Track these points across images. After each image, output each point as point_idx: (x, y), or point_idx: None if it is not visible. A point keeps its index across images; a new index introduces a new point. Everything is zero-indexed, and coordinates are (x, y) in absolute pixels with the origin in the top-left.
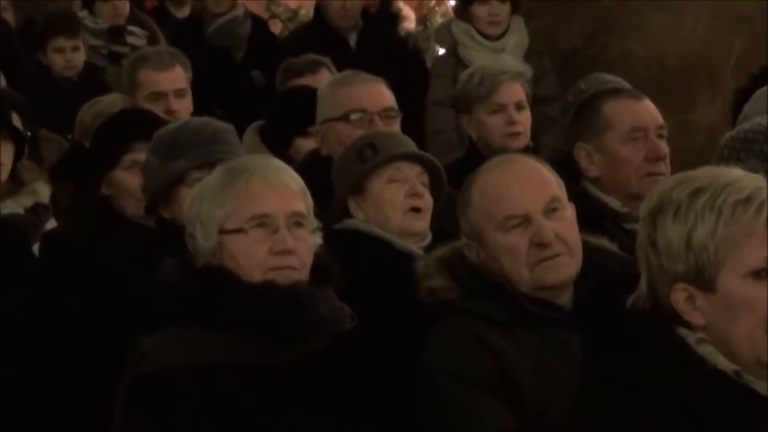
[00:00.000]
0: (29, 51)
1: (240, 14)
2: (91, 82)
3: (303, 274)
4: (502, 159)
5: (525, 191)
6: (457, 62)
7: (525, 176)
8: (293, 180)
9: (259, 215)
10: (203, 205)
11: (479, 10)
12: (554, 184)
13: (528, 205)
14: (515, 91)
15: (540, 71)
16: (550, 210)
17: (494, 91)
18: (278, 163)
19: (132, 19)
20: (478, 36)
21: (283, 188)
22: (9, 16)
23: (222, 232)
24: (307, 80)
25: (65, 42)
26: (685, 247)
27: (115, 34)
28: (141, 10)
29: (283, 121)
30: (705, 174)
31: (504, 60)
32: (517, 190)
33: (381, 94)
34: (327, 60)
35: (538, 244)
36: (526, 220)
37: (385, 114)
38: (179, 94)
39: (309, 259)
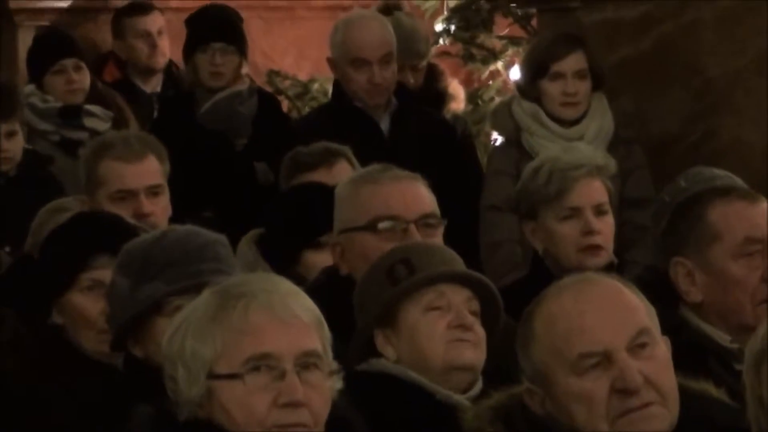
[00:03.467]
0: None
1: (244, 89)
2: (33, 176)
3: None
4: (575, 280)
5: (604, 322)
6: (521, 154)
7: (604, 302)
8: (305, 309)
9: (260, 355)
10: (187, 339)
11: (550, 87)
12: (642, 312)
13: (608, 340)
14: (594, 191)
15: (628, 165)
16: (638, 346)
17: (566, 190)
18: (286, 286)
19: (93, 96)
20: (548, 120)
21: (292, 320)
22: None
23: (211, 376)
24: (320, 175)
25: None
26: None
27: (70, 115)
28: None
29: (289, 228)
30: None
31: (579, 149)
32: (594, 320)
33: (418, 196)
34: (346, 149)
35: (622, 391)
36: (605, 360)
37: (424, 222)
38: (153, 192)
39: (324, 413)
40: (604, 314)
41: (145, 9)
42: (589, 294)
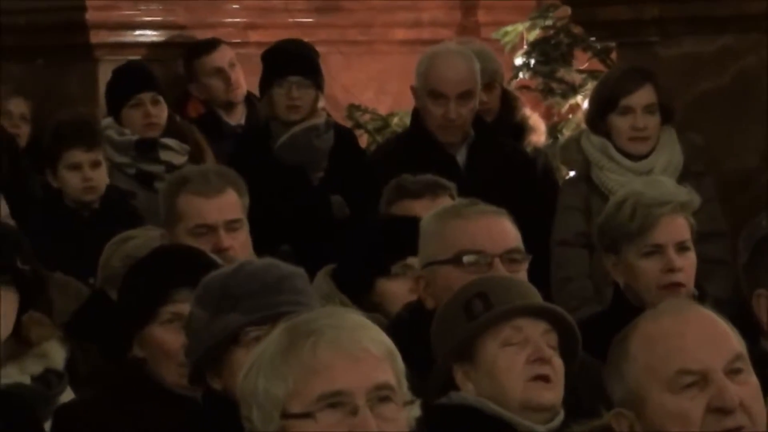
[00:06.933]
0: (39, 171)
1: (321, 123)
2: (117, 210)
3: None
4: (673, 304)
5: (703, 343)
6: (590, 189)
7: (703, 325)
8: (375, 342)
9: (331, 393)
10: (260, 379)
11: (620, 122)
12: (736, 340)
13: (707, 360)
14: (677, 228)
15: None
16: (734, 371)
17: (650, 227)
18: (354, 320)
19: (170, 130)
20: (617, 154)
21: (362, 354)
22: (25, 131)
23: (285, 416)
24: (423, 204)
25: (82, 155)
26: None
27: (146, 148)
28: (185, 120)
29: (362, 257)
30: None
31: (663, 184)
32: (693, 340)
33: (504, 231)
34: (452, 185)
35: (719, 410)
36: (703, 379)
37: (509, 257)
38: (232, 226)
39: None
40: (703, 336)
41: (211, 45)
42: (687, 317)
